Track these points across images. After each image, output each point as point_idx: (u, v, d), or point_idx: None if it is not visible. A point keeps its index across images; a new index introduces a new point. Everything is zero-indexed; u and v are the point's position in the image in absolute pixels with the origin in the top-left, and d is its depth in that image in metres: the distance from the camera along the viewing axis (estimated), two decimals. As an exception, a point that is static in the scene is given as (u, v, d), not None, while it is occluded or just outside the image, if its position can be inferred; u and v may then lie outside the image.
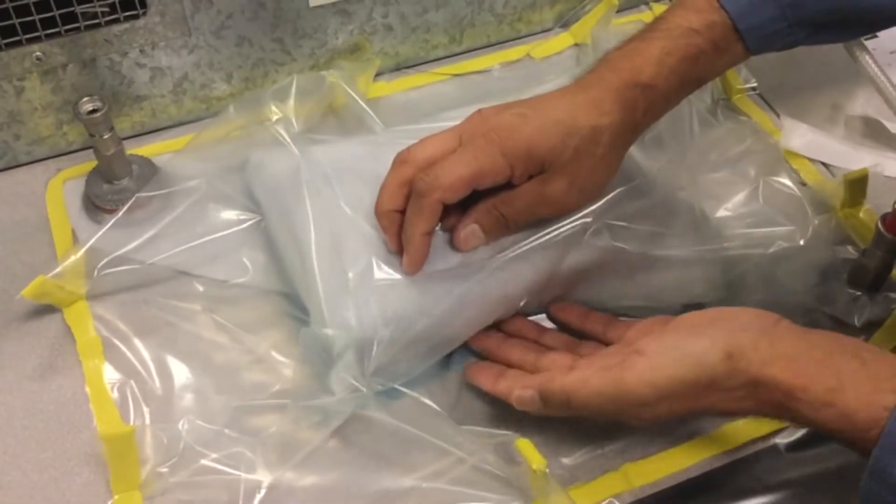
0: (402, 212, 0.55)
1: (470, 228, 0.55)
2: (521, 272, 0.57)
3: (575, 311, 0.60)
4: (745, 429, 0.56)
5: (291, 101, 0.67)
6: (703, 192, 0.66)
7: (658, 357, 0.49)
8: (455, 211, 0.56)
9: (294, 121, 0.66)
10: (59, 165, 0.71)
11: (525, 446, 0.51)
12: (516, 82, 0.77)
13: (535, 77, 0.77)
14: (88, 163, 0.69)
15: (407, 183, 0.55)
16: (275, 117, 0.65)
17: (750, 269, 0.62)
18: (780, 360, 0.46)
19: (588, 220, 0.57)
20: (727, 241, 0.62)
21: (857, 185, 0.66)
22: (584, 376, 0.51)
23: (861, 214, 0.67)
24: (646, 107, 0.56)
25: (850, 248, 0.64)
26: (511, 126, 0.54)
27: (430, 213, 0.53)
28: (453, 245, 0.56)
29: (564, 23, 0.82)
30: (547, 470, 0.50)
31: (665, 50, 0.55)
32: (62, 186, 0.69)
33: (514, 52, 0.81)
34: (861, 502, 0.43)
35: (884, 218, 0.58)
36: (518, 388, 0.53)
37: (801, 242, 0.63)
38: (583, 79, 0.57)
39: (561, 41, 0.81)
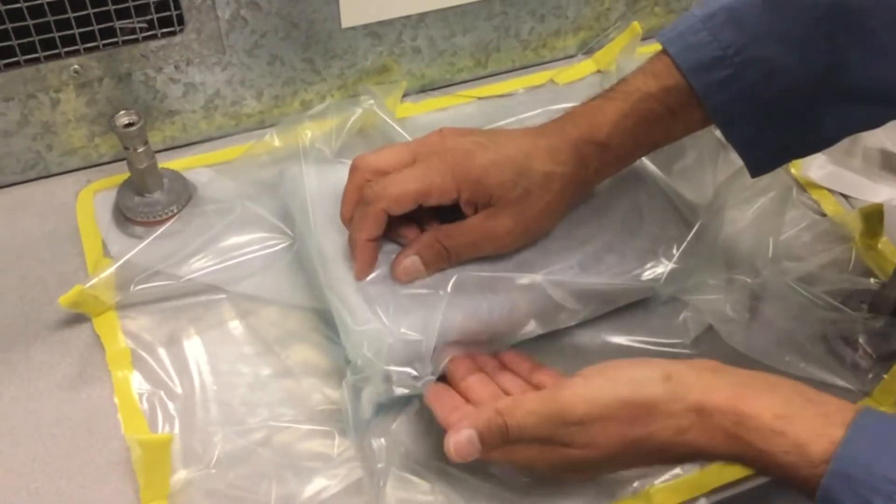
0: None
1: (410, 260, 0.56)
2: (557, 295, 0.58)
3: (525, 363, 0.57)
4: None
5: (327, 125, 0.68)
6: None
7: (595, 378, 0.47)
8: (411, 224, 0.57)
9: (330, 142, 0.67)
10: (90, 177, 0.72)
11: None
12: (539, 106, 0.78)
13: (557, 102, 0.78)
14: (118, 175, 0.70)
15: (361, 188, 0.56)
16: (311, 139, 0.66)
17: (765, 298, 0.63)
18: (725, 387, 0.45)
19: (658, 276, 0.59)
20: (745, 273, 0.63)
21: (873, 218, 0.67)
22: (519, 398, 0.49)
23: (880, 246, 0.68)
24: (598, 164, 0.58)
25: (871, 280, 0.65)
26: (467, 152, 0.56)
27: (373, 220, 0.55)
28: (392, 275, 0.57)
29: (588, 50, 0.84)
30: None
31: (622, 112, 0.57)
32: (93, 198, 0.70)
33: (537, 77, 0.82)
34: None
35: (904, 250, 0.59)
36: (452, 435, 0.48)
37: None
38: (545, 126, 0.59)
39: (584, 68, 0.82)
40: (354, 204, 0.57)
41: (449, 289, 0.55)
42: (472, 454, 0.48)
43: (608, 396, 0.46)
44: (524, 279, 0.57)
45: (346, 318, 0.55)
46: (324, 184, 0.61)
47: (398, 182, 0.55)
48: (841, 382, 0.60)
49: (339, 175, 0.60)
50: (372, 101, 0.72)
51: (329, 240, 0.59)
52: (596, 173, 0.59)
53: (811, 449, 0.42)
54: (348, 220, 0.57)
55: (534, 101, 0.80)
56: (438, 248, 0.57)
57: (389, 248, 0.58)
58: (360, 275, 0.57)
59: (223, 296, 0.63)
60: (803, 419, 0.43)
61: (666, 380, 0.45)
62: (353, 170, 0.57)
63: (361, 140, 0.73)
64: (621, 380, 0.47)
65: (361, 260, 0.56)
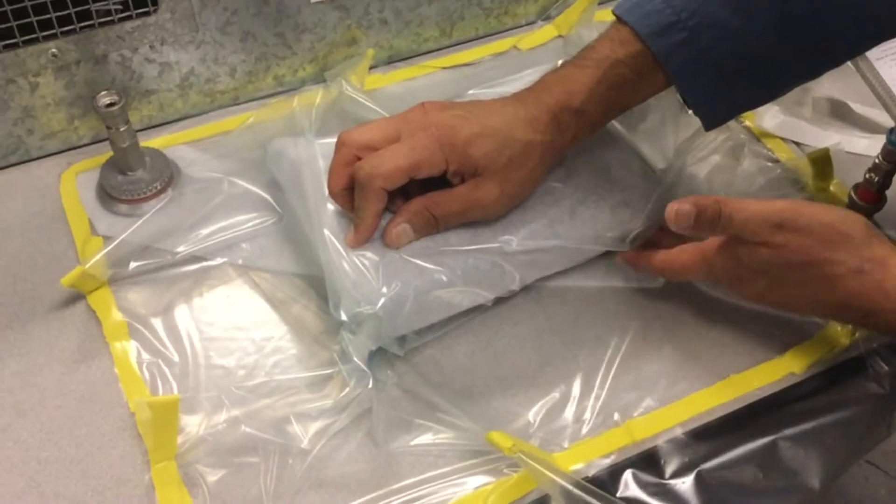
0: (351, 189, 0.59)
1: (401, 227, 0.59)
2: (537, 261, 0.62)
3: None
4: (739, 381, 0.60)
5: (307, 106, 0.71)
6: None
7: (810, 203, 0.56)
8: (398, 192, 0.60)
9: (309, 123, 0.70)
10: (70, 159, 0.73)
11: (494, 437, 0.54)
12: (504, 71, 0.81)
13: (522, 67, 0.81)
14: (99, 156, 0.71)
15: (349, 164, 0.59)
16: (297, 120, 0.70)
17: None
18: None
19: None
20: None
21: (821, 162, 0.71)
22: (743, 201, 0.56)
23: (832, 188, 0.72)
24: (574, 131, 0.61)
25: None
26: (451, 125, 0.59)
27: (374, 198, 0.58)
28: (384, 241, 0.59)
29: (546, 16, 0.87)
30: (519, 453, 0.53)
31: (595, 79, 0.60)
32: (75, 179, 0.71)
33: (501, 44, 0.85)
34: None
35: (856, 188, 0.63)
36: (676, 205, 0.56)
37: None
38: (522, 95, 0.62)
39: (545, 33, 0.85)
40: (343, 178, 0.59)
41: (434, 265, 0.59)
42: (688, 225, 0.56)
43: (816, 214, 0.54)
44: (503, 247, 0.61)
45: (338, 280, 0.58)
46: (310, 153, 0.63)
47: (389, 159, 0.57)
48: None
49: (325, 149, 0.62)
50: (343, 81, 0.74)
51: (320, 207, 0.61)
52: (573, 139, 0.62)
53: None
54: (336, 193, 0.60)
55: (499, 67, 0.82)
56: (428, 217, 0.59)
57: None
58: (356, 244, 0.59)
59: (214, 265, 0.65)
60: None
61: (867, 228, 0.54)
62: (340, 145, 0.60)
63: (338, 121, 0.74)
64: (832, 210, 0.55)
65: (365, 233, 0.59)
